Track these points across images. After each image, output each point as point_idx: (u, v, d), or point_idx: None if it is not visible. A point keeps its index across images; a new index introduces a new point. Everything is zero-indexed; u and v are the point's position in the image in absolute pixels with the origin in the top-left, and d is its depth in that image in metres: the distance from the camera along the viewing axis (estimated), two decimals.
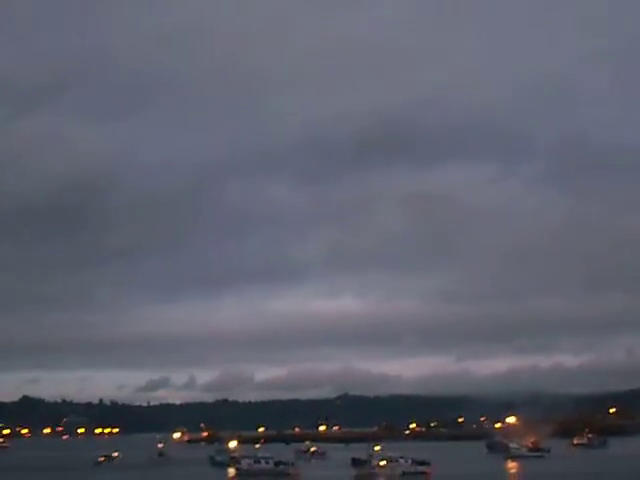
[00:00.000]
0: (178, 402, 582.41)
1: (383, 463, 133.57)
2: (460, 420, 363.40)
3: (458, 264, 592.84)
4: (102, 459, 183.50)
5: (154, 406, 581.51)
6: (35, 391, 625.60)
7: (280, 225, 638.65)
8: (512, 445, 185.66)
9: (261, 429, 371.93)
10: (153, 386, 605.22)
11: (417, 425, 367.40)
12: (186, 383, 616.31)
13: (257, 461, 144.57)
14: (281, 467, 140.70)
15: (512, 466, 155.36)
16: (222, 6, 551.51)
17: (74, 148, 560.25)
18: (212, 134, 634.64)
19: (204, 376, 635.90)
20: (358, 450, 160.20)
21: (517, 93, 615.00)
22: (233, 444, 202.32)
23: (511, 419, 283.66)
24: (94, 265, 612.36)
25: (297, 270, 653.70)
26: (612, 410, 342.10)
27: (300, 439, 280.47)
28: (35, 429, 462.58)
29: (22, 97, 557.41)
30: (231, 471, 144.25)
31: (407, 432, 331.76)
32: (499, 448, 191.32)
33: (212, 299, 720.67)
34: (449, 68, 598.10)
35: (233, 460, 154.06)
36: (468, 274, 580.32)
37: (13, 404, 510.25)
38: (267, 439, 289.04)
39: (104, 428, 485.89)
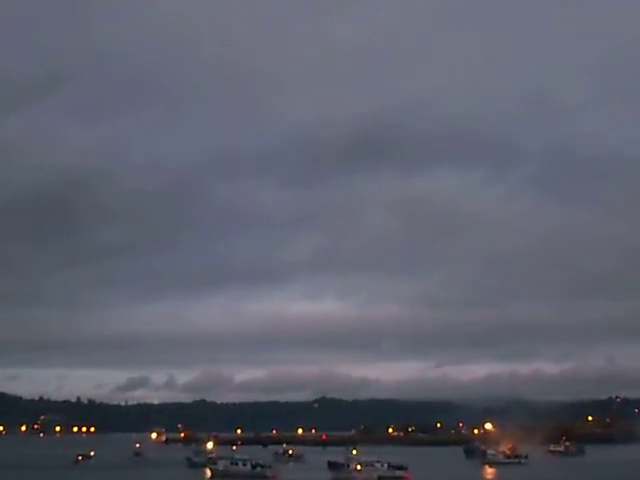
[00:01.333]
0: (156, 402, 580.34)
1: (359, 467, 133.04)
2: (438, 425, 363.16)
3: (441, 269, 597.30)
4: (81, 458, 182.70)
5: (132, 405, 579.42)
6: (13, 388, 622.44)
7: (266, 227, 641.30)
8: (489, 451, 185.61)
9: (239, 431, 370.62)
10: (132, 385, 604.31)
11: (395, 430, 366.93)
12: (166, 383, 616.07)
13: (234, 463, 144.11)
14: (258, 469, 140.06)
15: (489, 472, 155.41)
16: (215, 7, 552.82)
17: (65, 144, 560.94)
18: (201, 135, 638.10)
19: (184, 376, 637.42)
20: (335, 453, 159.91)
21: (505, 101, 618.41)
22: (210, 445, 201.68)
23: (489, 425, 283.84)
24: (78, 264, 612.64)
25: (281, 272, 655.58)
26: (590, 418, 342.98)
27: (278, 441, 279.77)
28: (11, 427, 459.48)
29: (15, 93, 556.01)
30: (207, 472, 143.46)
31: (384, 436, 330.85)
32: (477, 454, 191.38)
33: (196, 300, 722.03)
34: (438, 75, 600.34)
35: (210, 461, 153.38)
36: (450, 279, 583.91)
37: None
38: (244, 441, 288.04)
39: (81, 427, 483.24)
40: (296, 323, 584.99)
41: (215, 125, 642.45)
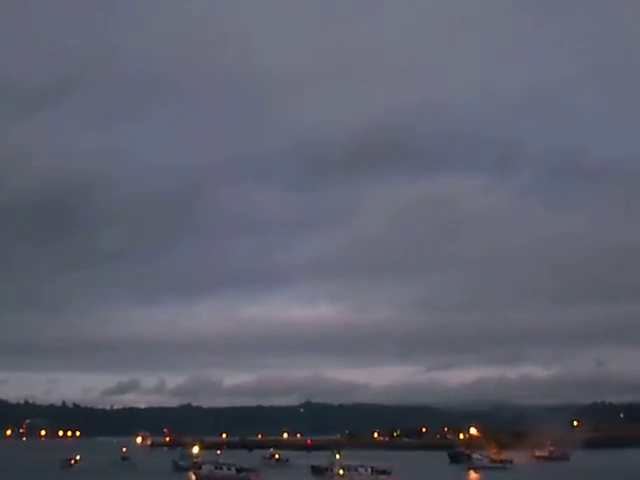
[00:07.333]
0: (142, 406, 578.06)
1: (342, 472, 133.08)
2: (424, 430, 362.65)
3: (432, 274, 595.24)
4: (73, 462, 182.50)
5: (117, 409, 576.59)
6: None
7: (264, 232, 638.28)
8: (474, 456, 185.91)
9: (224, 435, 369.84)
10: (122, 389, 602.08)
11: (380, 434, 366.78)
12: (155, 387, 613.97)
13: (218, 467, 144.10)
14: (242, 474, 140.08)
15: (474, 477, 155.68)
16: (222, 12, 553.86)
17: (68, 150, 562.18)
18: (203, 140, 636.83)
19: (175, 380, 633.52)
20: (320, 458, 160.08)
21: (509, 105, 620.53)
22: (196, 449, 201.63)
23: (474, 430, 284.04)
24: (76, 268, 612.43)
25: (276, 278, 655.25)
26: (575, 423, 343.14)
27: (263, 446, 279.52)
28: None
29: (24, 99, 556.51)
30: (192, 476, 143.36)
31: (370, 441, 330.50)
32: (461, 458, 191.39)
33: (191, 304, 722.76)
34: (443, 78, 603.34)
35: (194, 465, 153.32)
36: (441, 284, 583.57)
37: None
38: (230, 445, 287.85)
39: (66, 431, 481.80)
40: (287, 328, 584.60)
41: (218, 130, 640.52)
